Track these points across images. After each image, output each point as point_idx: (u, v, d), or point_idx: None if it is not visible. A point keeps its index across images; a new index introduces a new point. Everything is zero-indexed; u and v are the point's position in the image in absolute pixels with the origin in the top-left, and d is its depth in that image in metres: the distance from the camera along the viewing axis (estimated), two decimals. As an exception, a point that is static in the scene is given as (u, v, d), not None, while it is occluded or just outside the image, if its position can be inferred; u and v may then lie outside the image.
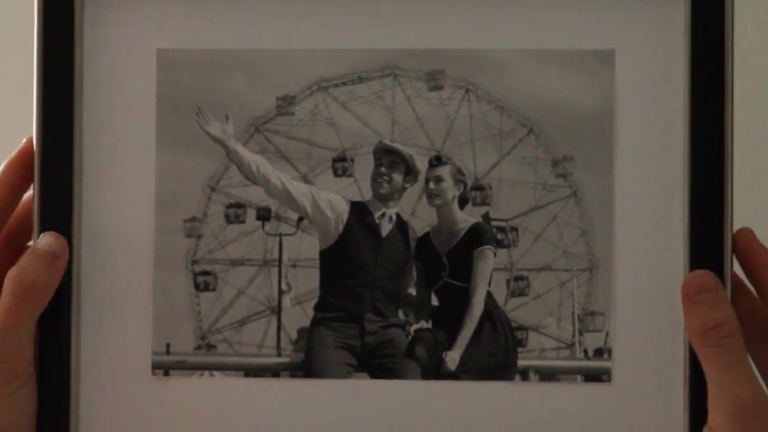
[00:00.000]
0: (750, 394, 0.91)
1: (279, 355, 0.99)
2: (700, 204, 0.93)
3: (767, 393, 0.93)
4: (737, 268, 0.99)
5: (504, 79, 0.97)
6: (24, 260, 0.95)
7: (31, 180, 0.97)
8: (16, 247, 0.99)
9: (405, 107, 0.99)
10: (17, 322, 0.94)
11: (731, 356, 0.91)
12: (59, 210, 0.96)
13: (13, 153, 0.98)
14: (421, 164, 0.98)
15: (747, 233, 0.95)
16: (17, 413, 0.96)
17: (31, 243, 0.96)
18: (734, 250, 0.94)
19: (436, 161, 0.98)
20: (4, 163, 0.98)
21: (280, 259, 1.00)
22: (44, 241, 0.95)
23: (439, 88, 0.98)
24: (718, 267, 0.92)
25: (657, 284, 0.95)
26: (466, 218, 0.98)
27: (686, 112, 0.93)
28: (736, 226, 0.97)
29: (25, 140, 0.97)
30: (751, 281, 0.95)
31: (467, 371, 0.98)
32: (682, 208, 0.94)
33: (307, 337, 0.99)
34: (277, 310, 1.00)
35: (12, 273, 0.94)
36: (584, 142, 0.97)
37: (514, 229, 0.98)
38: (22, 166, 0.97)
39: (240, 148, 0.98)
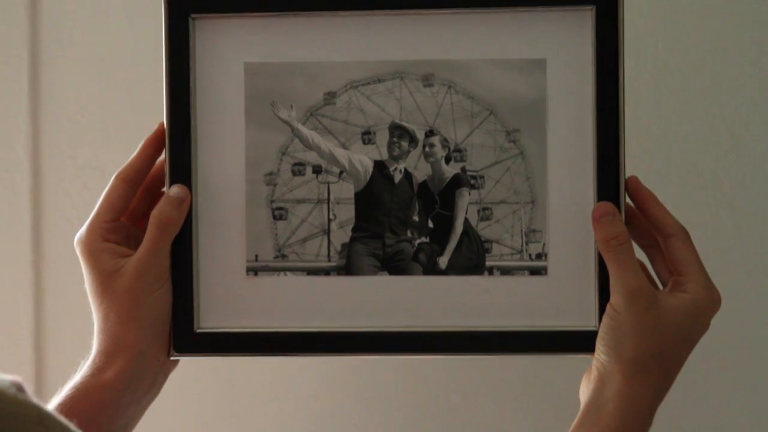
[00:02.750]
0: (635, 282, 1.06)
1: (329, 260, 1.16)
2: (603, 159, 1.12)
3: (647, 282, 1.07)
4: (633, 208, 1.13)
5: (473, 79, 1.14)
6: (161, 204, 1.12)
7: (160, 151, 1.14)
8: (154, 194, 1.16)
9: (408, 98, 1.16)
10: (159, 245, 1.12)
11: (624, 257, 1.08)
12: (183, 168, 1.14)
13: (150, 133, 1.15)
14: (420, 135, 1.16)
15: (634, 179, 1.11)
16: (161, 303, 1.12)
17: (164, 190, 1.14)
18: (626, 190, 1.11)
19: (430, 133, 1.16)
20: (143, 140, 1.14)
21: (328, 199, 1.17)
22: (174, 190, 1.13)
23: (431, 85, 1.15)
24: (615, 200, 1.11)
25: (575, 211, 1.13)
26: (450, 170, 1.16)
27: (594, 100, 1.12)
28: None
29: (158, 125, 1.14)
30: (638, 209, 1.12)
31: (453, 269, 1.15)
32: (592, 162, 1.12)
33: (347, 249, 1.16)
34: (327, 232, 1.17)
35: (154, 213, 1.12)
36: (527, 119, 1.14)
37: (482, 177, 1.16)
38: (155, 141, 1.14)
39: (300, 127, 1.16)
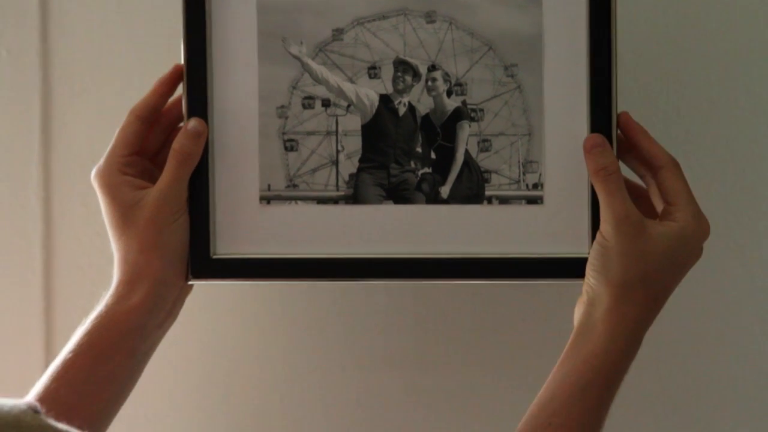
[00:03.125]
0: (623, 210, 1.10)
1: (338, 190, 1.19)
2: (596, 93, 1.15)
3: (635, 210, 1.10)
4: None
5: (473, 15, 1.17)
6: (181, 137, 1.15)
7: (174, 89, 1.18)
8: (166, 131, 1.20)
9: (412, 35, 1.18)
10: (179, 176, 1.16)
11: (612, 187, 1.11)
12: (200, 103, 1.17)
13: (165, 73, 1.18)
14: (423, 70, 1.18)
15: (625, 114, 1.15)
16: (180, 232, 1.16)
17: (182, 125, 1.17)
18: (618, 123, 1.15)
19: (432, 68, 1.18)
20: (158, 79, 1.18)
21: (336, 131, 1.19)
22: (192, 124, 1.16)
23: (433, 22, 1.18)
24: (608, 132, 1.14)
25: (570, 143, 1.16)
26: (451, 103, 1.19)
27: (588, 36, 1.15)
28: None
29: (173, 66, 1.18)
30: (629, 142, 1.15)
31: (454, 198, 1.19)
32: (586, 95, 1.15)
33: (355, 178, 1.19)
34: (336, 163, 1.20)
35: (175, 146, 1.15)
36: (524, 54, 1.17)
37: (481, 110, 1.19)
38: (169, 79, 1.18)
39: (310, 62, 1.19)
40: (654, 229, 1.10)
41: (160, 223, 1.14)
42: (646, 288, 1.09)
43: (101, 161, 1.16)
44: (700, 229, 1.11)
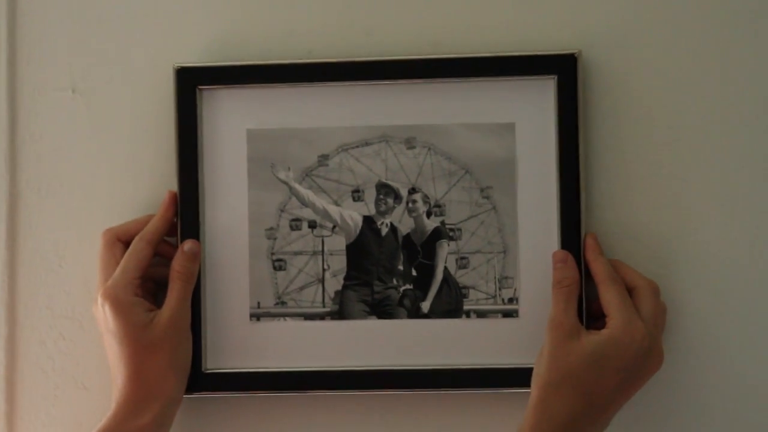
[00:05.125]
0: (560, 317, 1.16)
1: (324, 306, 1.22)
2: (566, 212, 1.20)
3: (575, 321, 1.15)
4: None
5: (450, 141, 1.21)
6: (181, 259, 1.20)
7: (175, 214, 1.22)
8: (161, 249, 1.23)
9: (393, 160, 1.22)
10: (185, 295, 1.20)
11: (562, 296, 1.17)
12: (193, 225, 1.22)
13: (164, 200, 1.21)
14: (404, 193, 1.23)
15: (590, 237, 1.20)
16: (189, 351, 1.19)
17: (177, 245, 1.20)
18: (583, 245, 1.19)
19: (412, 191, 1.23)
20: (161, 206, 1.21)
21: (323, 251, 1.22)
22: (188, 246, 1.21)
23: (413, 147, 1.22)
24: (576, 247, 1.19)
25: (542, 259, 1.20)
26: (431, 223, 1.23)
27: (557, 158, 1.20)
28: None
29: (167, 192, 1.22)
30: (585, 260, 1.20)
31: (434, 313, 1.22)
32: (557, 217, 1.20)
33: (340, 295, 1.22)
34: (322, 281, 1.22)
35: (177, 268, 1.19)
36: (499, 177, 1.21)
37: (459, 229, 1.22)
38: (171, 205, 1.22)
39: (297, 186, 1.23)
40: (586, 336, 1.15)
41: (174, 342, 1.17)
42: (573, 386, 1.13)
43: (113, 284, 1.18)
44: (628, 334, 1.15)
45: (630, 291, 1.19)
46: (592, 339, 1.15)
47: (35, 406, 1.30)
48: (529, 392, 1.17)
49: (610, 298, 1.17)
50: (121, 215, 1.29)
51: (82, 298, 1.28)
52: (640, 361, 1.15)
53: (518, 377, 1.20)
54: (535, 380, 1.15)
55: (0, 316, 1.30)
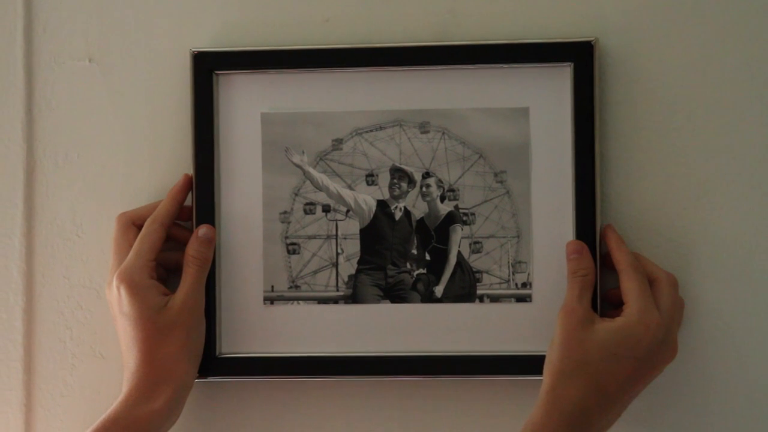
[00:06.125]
0: (573, 305, 1.16)
1: (337, 290, 1.23)
2: (581, 197, 1.20)
3: (588, 309, 1.16)
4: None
5: (464, 126, 1.21)
6: (196, 244, 1.20)
7: (186, 197, 1.22)
8: (176, 233, 1.24)
9: (407, 144, 1.22)
10: (200, 280, 1.20)
11: (577, 285, 1.17)
12: (208, 210, 1.22)
13: (177, 183, 1.22)
14: (418, 177, 1.23)
15: (608, 228, 1.20)
16: (203, 334, 1.20)
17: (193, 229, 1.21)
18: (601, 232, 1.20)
19: (426, 175, 1.23)
20: (172, 189, 1.22)
21: (336, 235, 1.23)
22: (203, 231, 1.21)
23: (427, 132, 1.22)
24: (590, 235, 1.19)
25: (556, 245, 1.20)
26: (444, 208, 1.23)
27: (573, 145, 1.20)
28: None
29: (183, 176, 1.22)
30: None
31: (447, 297, 1.22)
32: (572, 202, 1.20)
33: (354, 279, 1.23)
34: (336, 265, 1.23)
35: (191, 253, 1.20)
36: (512, 161, 1.21)
37: (473, 214, 1.22)
38: (183, 188, 1.23)
39: (311, 170, 1.23)
40: (599, 324, 1.15)
41: (189, 326, 1.18)
42: (584, 371, 1.13)
43: (128, 266, 1.18)
44: (642, 323, 1.15)
45: (649, 283, 1.19)
46: (606, 326, 1.15)
47: (53, 375, 1.30)
48: (542, 380, 1.17)
49: (630, 286, 1.16)
50: (137, 187, 1.30)
51: (100, 268, 1.29)
52: (654, 351, 1.15)
53: (531, 365, 1.20)
54: (548, 368, 1.15)
55: (18, 286, 1.31)
